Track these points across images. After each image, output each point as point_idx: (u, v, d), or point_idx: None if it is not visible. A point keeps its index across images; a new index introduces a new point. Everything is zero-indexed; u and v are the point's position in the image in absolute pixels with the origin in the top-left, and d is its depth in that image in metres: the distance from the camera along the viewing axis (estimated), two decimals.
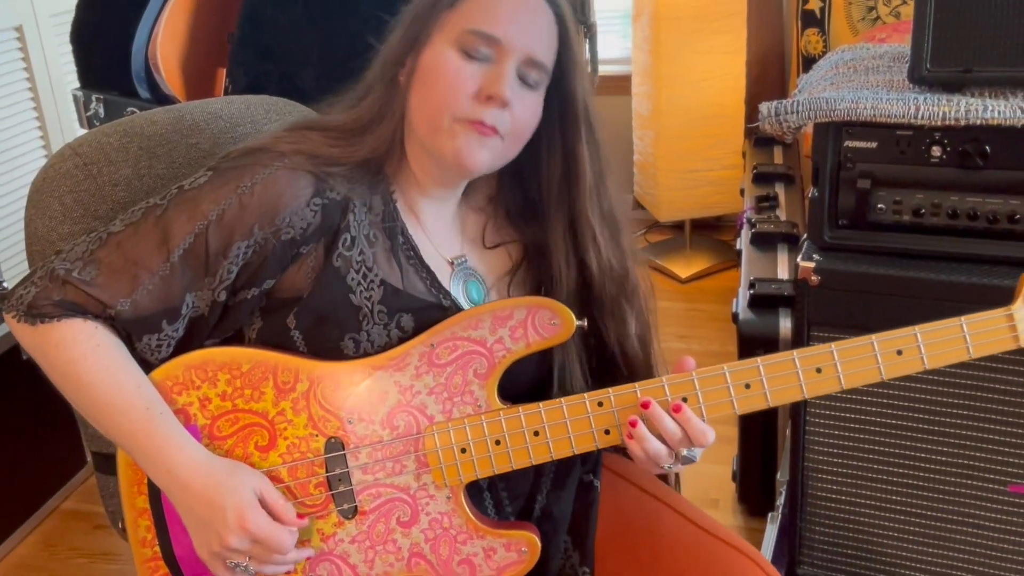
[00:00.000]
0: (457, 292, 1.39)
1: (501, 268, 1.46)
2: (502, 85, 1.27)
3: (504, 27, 1.28)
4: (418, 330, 1.31)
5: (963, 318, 1.22)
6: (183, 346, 1.32)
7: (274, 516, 1.25)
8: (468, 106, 1.28)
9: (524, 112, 1.31)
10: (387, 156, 1.36)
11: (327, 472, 1.30)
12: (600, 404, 1.27)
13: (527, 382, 1.40)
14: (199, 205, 1.26)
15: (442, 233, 1.42)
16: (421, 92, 1.31)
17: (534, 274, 1.46)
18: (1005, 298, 1.25)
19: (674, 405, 1.24)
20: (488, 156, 1.31)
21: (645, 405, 1.24)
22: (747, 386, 1.25)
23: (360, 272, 1.30)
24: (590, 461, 1.49)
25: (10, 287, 2.66)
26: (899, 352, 1.23)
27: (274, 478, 1.30)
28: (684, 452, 1.26)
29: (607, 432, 1.28)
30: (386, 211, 1.35)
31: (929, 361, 1.23)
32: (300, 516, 1.29)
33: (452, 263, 1.41)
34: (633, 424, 1.24)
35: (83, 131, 2.63)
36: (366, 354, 1.30)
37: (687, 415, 1.23)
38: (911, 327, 1.22)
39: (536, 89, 1.33)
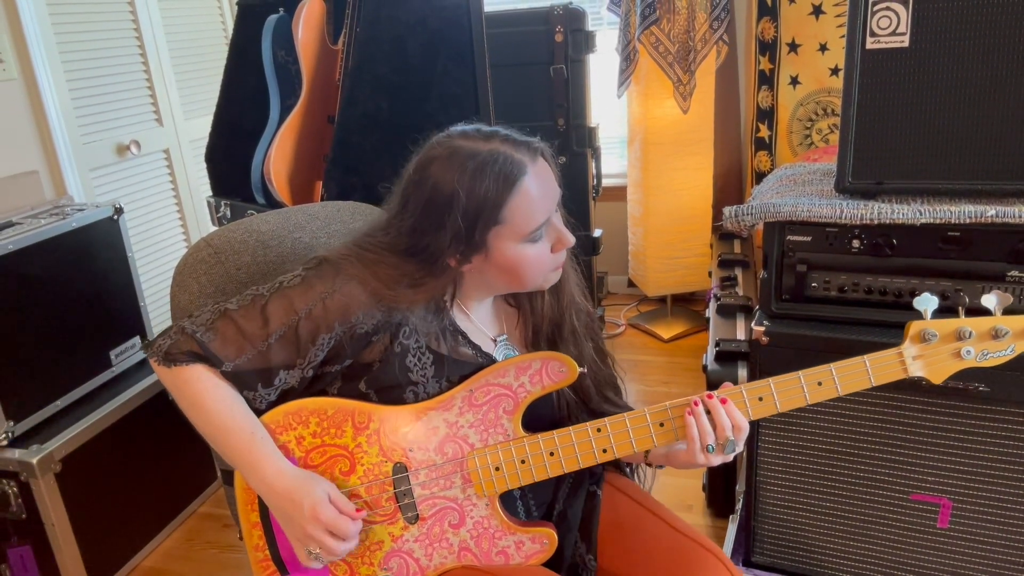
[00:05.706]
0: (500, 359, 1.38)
1: (521, 333, 1.47)
2: (566, 239, 1.32)
3: (544, 210, 1.27)
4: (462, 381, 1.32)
5: (866, 356, 1.23)
6: (276, 404, 1.33)
7: (340, 511, 1.25)
8: (552, 262, 1.33)
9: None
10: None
11: (395, 489, 1.30)
12: (599, 430, 1.28)
13: (544, 413, 1.41)
14: (293, 302, 1.27)
15: (486, 320, 1.43)
16: (509, 275, 1.31)
17: (533, 320, 1.46)
18: None
19: (722, 399, 1.24)
20: None
21: (724, 401, 1.24)
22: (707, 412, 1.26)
23: (416, 356, 1.31)
24: (595, 476, 1.49)
25: None
26: (819, 383, 1.24)
27: (355, 495, 1.30)
28: (729, 438, 1.24)
29: (604, 451, 1.28)
30: (438, 310, 1.35)
31: (842, 389, 1.24)
32: (374, 522, 1.29)
33: (495, 340, 1.41)
34: (696, 404, 1.24)
35: (214, 228, 2.67)
36: (422, 400, 1.31)
37: (731, 408, 1.24)
38: (828, 364, 1.24)
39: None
